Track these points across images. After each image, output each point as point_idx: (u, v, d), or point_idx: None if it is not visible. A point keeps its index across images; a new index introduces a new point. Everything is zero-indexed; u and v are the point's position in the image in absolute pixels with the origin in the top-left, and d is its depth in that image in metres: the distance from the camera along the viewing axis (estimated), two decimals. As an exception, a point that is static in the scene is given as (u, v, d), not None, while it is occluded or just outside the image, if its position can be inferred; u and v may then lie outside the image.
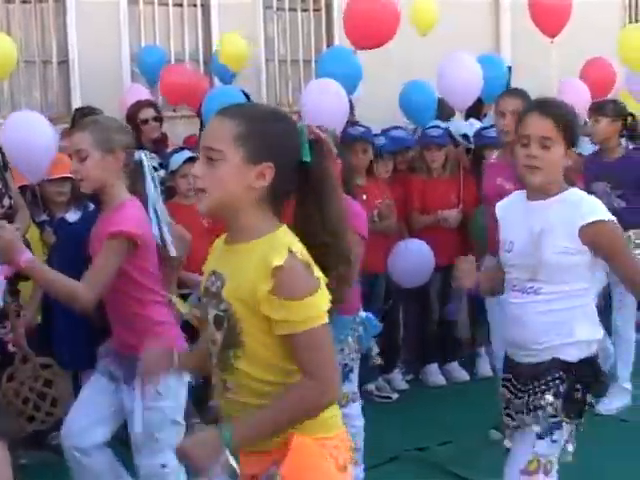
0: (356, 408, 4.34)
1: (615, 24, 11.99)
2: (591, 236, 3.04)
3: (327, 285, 2.20)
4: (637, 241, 5.47)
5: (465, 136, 6.68)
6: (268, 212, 2.24)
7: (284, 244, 2.16)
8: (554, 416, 3.09)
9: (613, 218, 3.08)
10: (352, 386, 4.30)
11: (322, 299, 2.17)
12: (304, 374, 2.18)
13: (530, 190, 3.21)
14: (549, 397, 3.09)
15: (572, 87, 6.99)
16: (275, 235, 2.20)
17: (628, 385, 5.75)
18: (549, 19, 7.09)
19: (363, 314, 4.31)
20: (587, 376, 3.14)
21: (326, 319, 2.18)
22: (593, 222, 3.03)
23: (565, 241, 3.06)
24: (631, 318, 5.75)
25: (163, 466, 3.58)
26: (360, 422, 4.34)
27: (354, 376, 4.30)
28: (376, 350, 4.48)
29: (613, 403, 5.59)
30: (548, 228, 3.09)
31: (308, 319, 2.14)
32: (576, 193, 3.14)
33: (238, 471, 2.21)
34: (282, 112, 2.39)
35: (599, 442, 4.68)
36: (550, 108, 3.16)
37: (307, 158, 2.23)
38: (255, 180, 2.18)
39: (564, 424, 3.12)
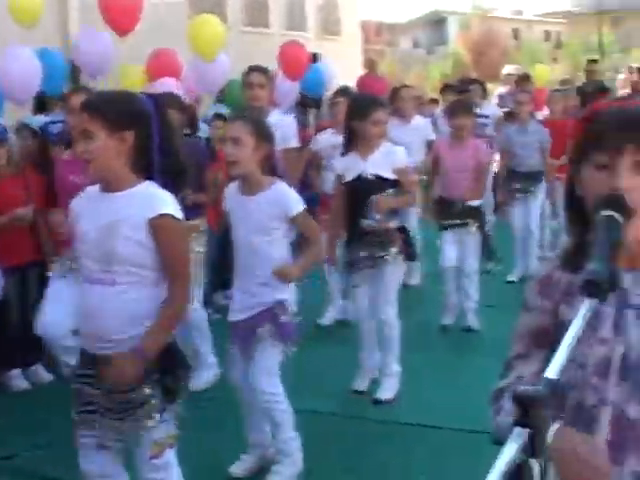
0: None
1: (181, 18, 12.40)
2: (155, 228, 3.13)
3: None
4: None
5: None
6: None
7: None
8: (157, 404, 3.17)
9: (178, 215, 3.18)
10: None
11: None
12: None
13: (103, 183, 3.25)
14: (147, 390, 3.16)
15: (162, 85, 7.05)
16: None
17: (212, 359, 5.95)
18: (120, 18, 7.08)
19: None
20: (171, 361, 3.23)
21: None
22: (159, 215, 3.13)
23: (135, 233, 3.12)
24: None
25: None
26: None
27: None
28: None
29: (201, 379, 5.75)
30: (119, 220, 3.13)
31: None
32: (149, 187, 3.19)
33: None
34: None
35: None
36: (87, 102, 3.26)
37: None
38: None
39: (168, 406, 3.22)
